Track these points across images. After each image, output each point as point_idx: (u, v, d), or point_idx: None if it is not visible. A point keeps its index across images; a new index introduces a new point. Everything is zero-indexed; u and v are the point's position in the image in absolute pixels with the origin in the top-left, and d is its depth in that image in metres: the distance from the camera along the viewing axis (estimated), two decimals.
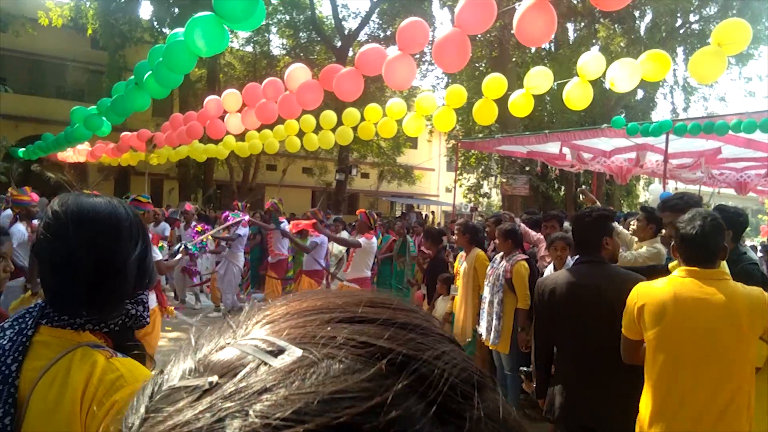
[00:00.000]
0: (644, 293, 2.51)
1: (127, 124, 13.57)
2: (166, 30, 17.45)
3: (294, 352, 0.35)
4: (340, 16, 21.08)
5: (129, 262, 1.20)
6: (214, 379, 0.35)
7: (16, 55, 19.75)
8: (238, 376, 0.34)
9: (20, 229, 6.16)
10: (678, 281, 2.46)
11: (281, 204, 9.75)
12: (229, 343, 0.38)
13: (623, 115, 16.41)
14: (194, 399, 0.34)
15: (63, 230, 1.16)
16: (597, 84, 10.62)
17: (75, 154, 12.23)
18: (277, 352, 0.35)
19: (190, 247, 9.44)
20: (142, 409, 0.36)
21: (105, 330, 1.21)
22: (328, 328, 0.37)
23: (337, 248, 7.92)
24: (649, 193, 15.53)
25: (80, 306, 1.17)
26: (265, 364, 0.35)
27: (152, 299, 5.08)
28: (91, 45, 21.27)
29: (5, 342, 1.14)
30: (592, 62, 4.86)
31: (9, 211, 7.01)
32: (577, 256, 4.77)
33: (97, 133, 7.27)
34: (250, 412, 0.32)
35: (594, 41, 19.88)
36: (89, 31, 18.94)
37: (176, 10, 17.56)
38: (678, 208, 3.39)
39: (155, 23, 18.43)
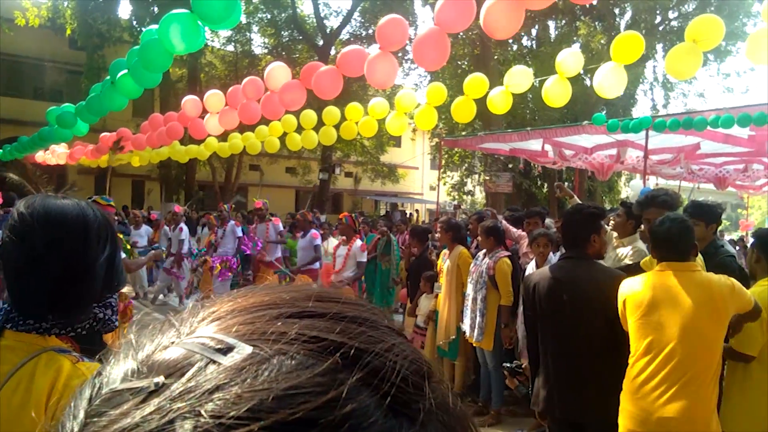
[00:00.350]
0: (626, 288, 2.76)
1: (107, 125, 13.43)
2: (145, 29, 17.26)
3: (244, 349, 0.34)
4: (322, 15, 21.04)
5: (97, 264, 1.17)
6: (161, 379, 0.33)
7: None
8: (186, 376, 0.33)
9: None
10: (656, 274, 2.71)
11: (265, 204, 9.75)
12: (173, 342, 0.37)
13: (604, 112, 16.57)
14: (140, 401, 0.32)
15: (29, 232, 1.14)
16: (578, 81, 10.70)
17: (53, 156, 12.03)
18: (226, 349, 0.34)
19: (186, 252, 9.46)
20: (82, 414, 0.34)
21: (72, 334, 1.19)
22: (278, 324, 0.36)
23: (331, 247, 7.91)
24: (630, 189, 15.69)
25: (46, 310, 1.15)
26: (214, 362, 0.33)
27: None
28: (69, 45, 20.96)
29: None
30: (569, 59, 4.88)
31: None
32: (559, 253, 4.82)
33: (75, 133, 7.14)
34: (202, 412, 0.31)
35: (575, 38, 20.03)
36: (68, 32, 18.67)
37: (155, 9, 17.38)
38: (668, 205, 3.43)
39: (134, 23, 18.23)
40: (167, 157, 10.51)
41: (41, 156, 12.16)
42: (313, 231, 8.19)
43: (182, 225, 10.09)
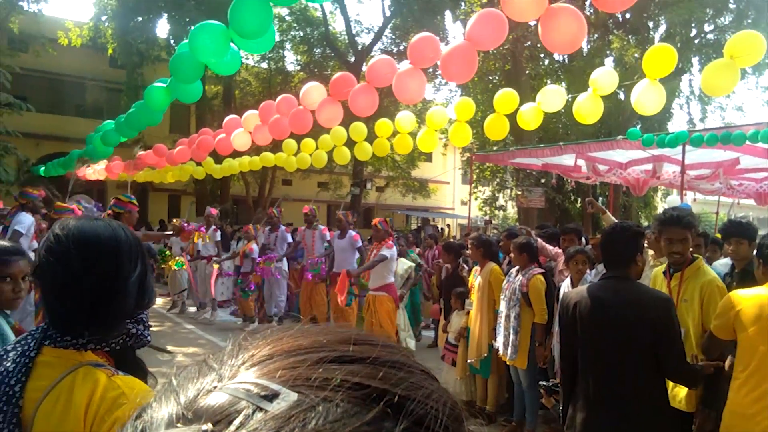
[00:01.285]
0: (740, 299, 2.80)
1: (145, 140, 13.76)
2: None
3: (289, 396, 0.34)
4: (354, 32, 21.27)
5: (129, 282, 1.23)
6: (209, 427, 0.33)
7: (37, 75, 20.13)
8: (234, 424, 0.33)
9: (28, 217, 6.22)
10: None
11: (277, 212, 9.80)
12: (216, 387, 0.37)
13: (639, 126, 16.28)
14: None
15: (65, 253, 1.20)
16: (612, 95, 10.55)
17: (94, 171, 12.38)
18: (272, 396, 0.34)
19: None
20: None
21: (106, 349, 1.24)
22: (320, 370, 0.36)
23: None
24: (666, 204, 15.36)
25: (82, 326, 1.20)
26: (261, 409, 0.34)
27: None
28: (109, 64, 21.64)
29: (9, 364, 1.18)
30: (604, 77, 4.83)
31: (24, 214, 6.38)
32: (594, 270, 4.74)
33: (105, 150, 7.35)
34: None
35: (608, 52, 19.78)
36: (109, 51, 19.29)
37: (192, 28, 17.81)
38: (692, 225, 3.42)
39: (172, 41, 18.71)
40: (204, 174, 10.72)
41: (81, 171, 12.52)
42: (354, 232, 7.94)
43: (216, 227, 10.24)
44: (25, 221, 6.07)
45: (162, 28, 19.63)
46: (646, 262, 4.01)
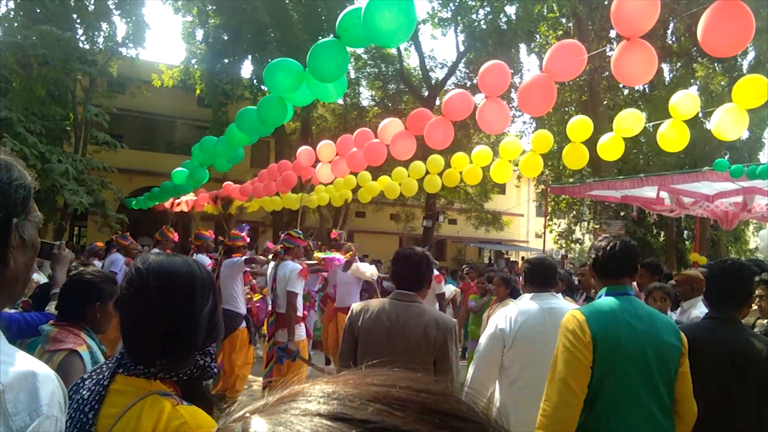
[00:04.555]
0: None
1: (228, 175, 14.42)
2: (264, 87, 18.63)
3: None
4: (428, 67, 21.60)
5: (201, 316, 1.31)
6: None
7: (132, 114, 21.72)
8: None
9: (119, 257, 6.98)
10: None
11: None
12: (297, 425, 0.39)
13: (727, 156, 15.50)
14: None
15: (144, 285, 1.30)
16: (697, 124, 10.12)
17: (180, 204, 13.11)
18: None
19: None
20: None
21: (174, 379, 1.31)
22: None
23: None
24: (759, 239, 14.39)
25: (155, 356, 1.29)
26: None
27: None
28: (197, 103, 23.07)
29: (85, 392, 1.29)
30: (684, 101, 4.67)
31: (118, 255, 7.79)
32: (680, 309, 4.52)
33: (191, 184, 7.87)
34: None
35: (692, 81, 19.04)
36: (197, 91, 20.59)
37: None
38: None
39: (255, 81, 19.72)
40: (282, 206, 11.10)
41: (169, 204, 13.28)
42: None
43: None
44: (116, 261, 6.78)
45: (246, 68, 20.71)
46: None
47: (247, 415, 0.41)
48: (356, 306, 2.99)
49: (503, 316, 3.16)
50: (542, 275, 3.26)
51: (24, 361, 0.86)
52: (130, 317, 1.32)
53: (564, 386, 2.25)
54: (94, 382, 1.31)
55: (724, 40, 3.14)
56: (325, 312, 8.65)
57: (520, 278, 3.80)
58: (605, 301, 2.44)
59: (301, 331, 5.60)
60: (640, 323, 2.33)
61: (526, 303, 3.20)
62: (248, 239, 7.16)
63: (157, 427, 1.19)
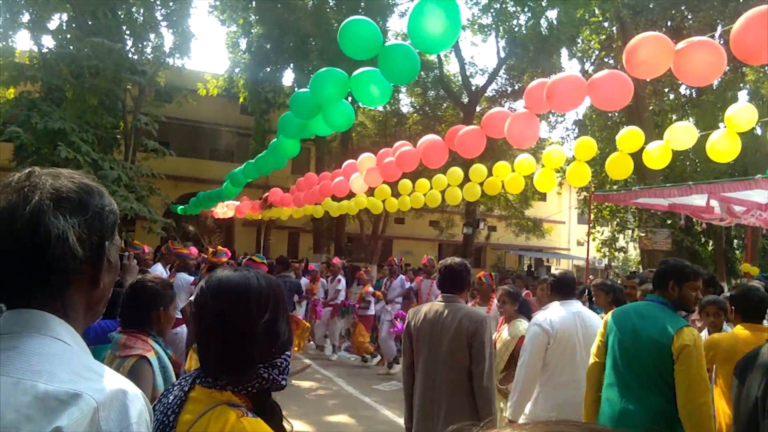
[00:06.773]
0: None
1: (269, 182, 14.62)
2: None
3: None
4: (468, 74, 21.50)
5: (255, 330, 1.33)
6: None
7: (178, 122, 22.33)
8: None
9: (184, 277, 6.90)
10: None
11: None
12: None
13: None
14: None
15: (203, 303, 1.38)
16: (748, 131, 9.78)
17: (224, 209, 13.40)
18: None
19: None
20: None
21: (243, 392, 1.35)
22: None
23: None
24: None
25: (217, 370, 1.35)
26: None
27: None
28: (240, 111, 23.58)
29: (170, 398, 1.38)
30: (742, 112, 4.50)
31: (159, 266, 7.38)
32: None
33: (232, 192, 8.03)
34: None
35: (741, 85, 18.41)
36: (240, 99, 21.05)
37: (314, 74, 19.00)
38: None
39: (296, 89, 20.03)
40: (323, 212, 11.23)
41: (212, 209, 13.61)
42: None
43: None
44: (177, 282, 6.82)
45: (287, 77, 21.08)
46: None
47: None
48: (411, 311, 3.59)
49: (542, 317, 3.74)
50: (567, 286, 3.94)
51: (114, 380, 0.90)
52: (196, 335, 1.42)
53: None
54: (179, 387, 1.39)
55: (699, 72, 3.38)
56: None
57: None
58: None
59: None
60: None
61: (557, 308, 3.79)
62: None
63: None
